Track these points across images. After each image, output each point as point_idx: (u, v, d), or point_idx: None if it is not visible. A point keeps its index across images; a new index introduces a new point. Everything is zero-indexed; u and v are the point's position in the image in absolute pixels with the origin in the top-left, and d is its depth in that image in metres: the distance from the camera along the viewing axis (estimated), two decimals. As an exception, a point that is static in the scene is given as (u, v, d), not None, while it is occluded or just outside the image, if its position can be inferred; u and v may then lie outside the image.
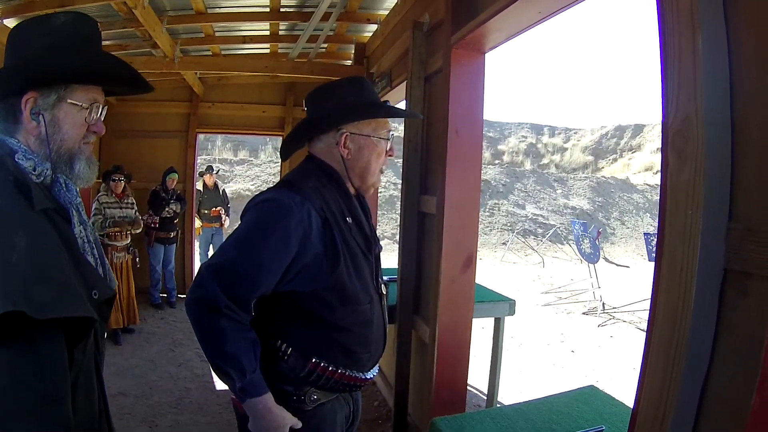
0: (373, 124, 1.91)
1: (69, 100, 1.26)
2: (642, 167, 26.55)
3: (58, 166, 1.26)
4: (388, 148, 1.97)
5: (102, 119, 1.35)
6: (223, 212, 9.33)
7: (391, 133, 1.97)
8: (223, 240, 8.87)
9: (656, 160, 24.87)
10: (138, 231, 6.84)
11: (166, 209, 7.54)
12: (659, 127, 1.47)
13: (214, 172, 9.70)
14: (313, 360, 1.80)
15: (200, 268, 1.73)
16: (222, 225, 9.36)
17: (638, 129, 30.00)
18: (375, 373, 2.03)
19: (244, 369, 1.65)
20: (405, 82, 4.21)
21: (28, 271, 1.02)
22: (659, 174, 1.37)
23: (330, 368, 1.83)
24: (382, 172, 2.01)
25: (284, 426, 1.74)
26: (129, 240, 6.62)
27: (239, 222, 1.80)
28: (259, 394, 1.70)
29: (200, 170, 9.51)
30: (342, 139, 1.88)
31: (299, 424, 1.78)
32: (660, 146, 1.35)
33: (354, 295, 1.84)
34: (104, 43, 6.09)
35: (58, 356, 1.07)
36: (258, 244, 1.69)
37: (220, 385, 5.06)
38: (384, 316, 2.03)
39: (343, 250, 1.80)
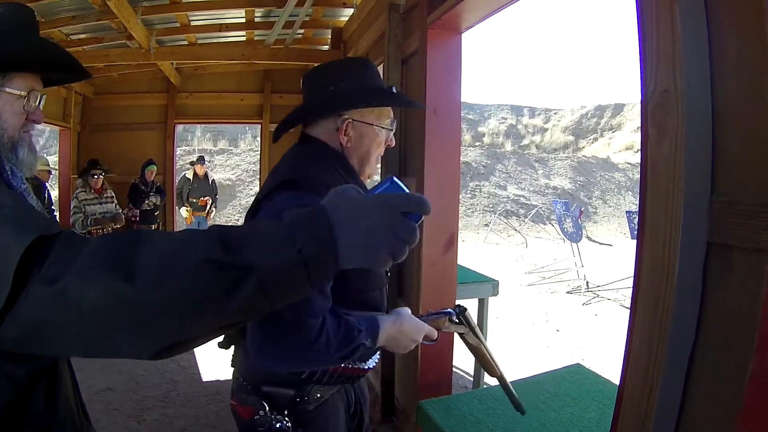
0: (376, 112, 1.81)
1: (7, 89, 1.22)
2: (623, 146, 26.69)
3: (3, 154, 1.23)
4: (388, 139, 1.88)
5: (41, 108, 1.31)
6: (210, 202, 9.36)
7: (393, 123, 1.88)
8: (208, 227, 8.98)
9: (637, 138, 24.98)
10: (119, 227, 6.84)
11: (146, 202, 7.57)
12: (639, 107, 1.46)
13: (206, 162, 9.77)
14: None
15: None
16: (207, 215, 9.37)
17: (618, 108, 30.14)
18: (375, 363, 1.95)
19: (354, 338, 1.54)
20: (382, 65, 4.18)
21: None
22: (640, 152, 1.36)
23: None
24: (377, 161, 1.91)
25: (420, 331, 1.69)
26: None
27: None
28: (380, 327, 1.62)
29: (191, 160, 9.85)
30: (344, 126, 1.76)
31: (434, 334, 1.72)
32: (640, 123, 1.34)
33: (366, 281, 1.75)
34: (80, 36, 6.18)
35: None
36: None
37: (207, 376, 5.05)
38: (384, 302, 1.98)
39: None
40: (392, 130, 1.87)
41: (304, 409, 1.76)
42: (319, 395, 1.78)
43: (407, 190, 0.94)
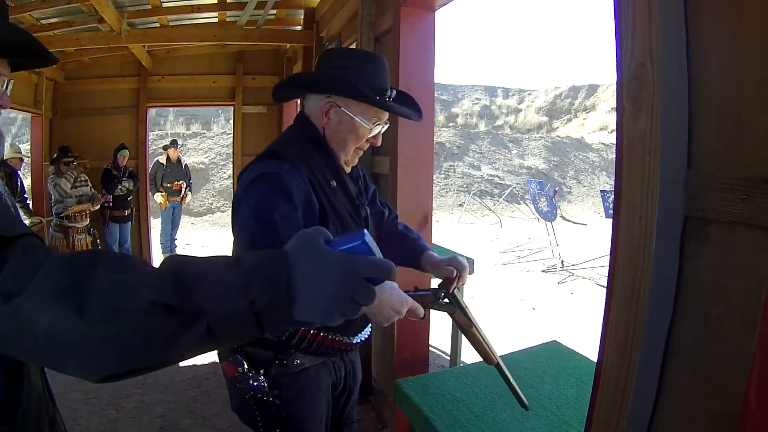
0: (363, 107, 1.79)
1: None
2: (597, 127, 26.82)
3: None
4: (371, 136, 1.86)
5: (8, 93, 1.27)
6: (184, 186, 9.25)
7: (380, 125, 1.87)
8: (182, 212, 8.79)
9: (611, 119, 25.17)
10: (96, 207, 6.95)
11: (119, 187, 7.48)
12: (614, 87, 1.46)
13: (178, 146, 9.63)
14: None
15: None
16: (182, 200, 9.27)
17: (593, 89, 30.25)
18: (364, 338, 1.97)
19: None
20: (354, 44, 4.16)
21: None
22: (614, 133, 1.35)
23: (311, 331, 1.76)
24: (358, 154, 1.91)
25: (404, 303, 1.61)
26: (88, 220, 6.62)
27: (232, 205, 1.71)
28: None
29: (164, 144, 9.67)
30: (326, 107, 1.79)
31: (420, 310, 1.67)
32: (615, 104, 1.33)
33: None
34: (50, 21, 6.05)
35: None
36: (270, 217, 1.55)
37: (184, 362, 4.99)
38: None
39: (330, 214, 1.75)
40: (371, 128, 1.84)
41: (282, 372, 1.80)
42: (298, 361, 1.81)
43: (376, 252, 0.91)
